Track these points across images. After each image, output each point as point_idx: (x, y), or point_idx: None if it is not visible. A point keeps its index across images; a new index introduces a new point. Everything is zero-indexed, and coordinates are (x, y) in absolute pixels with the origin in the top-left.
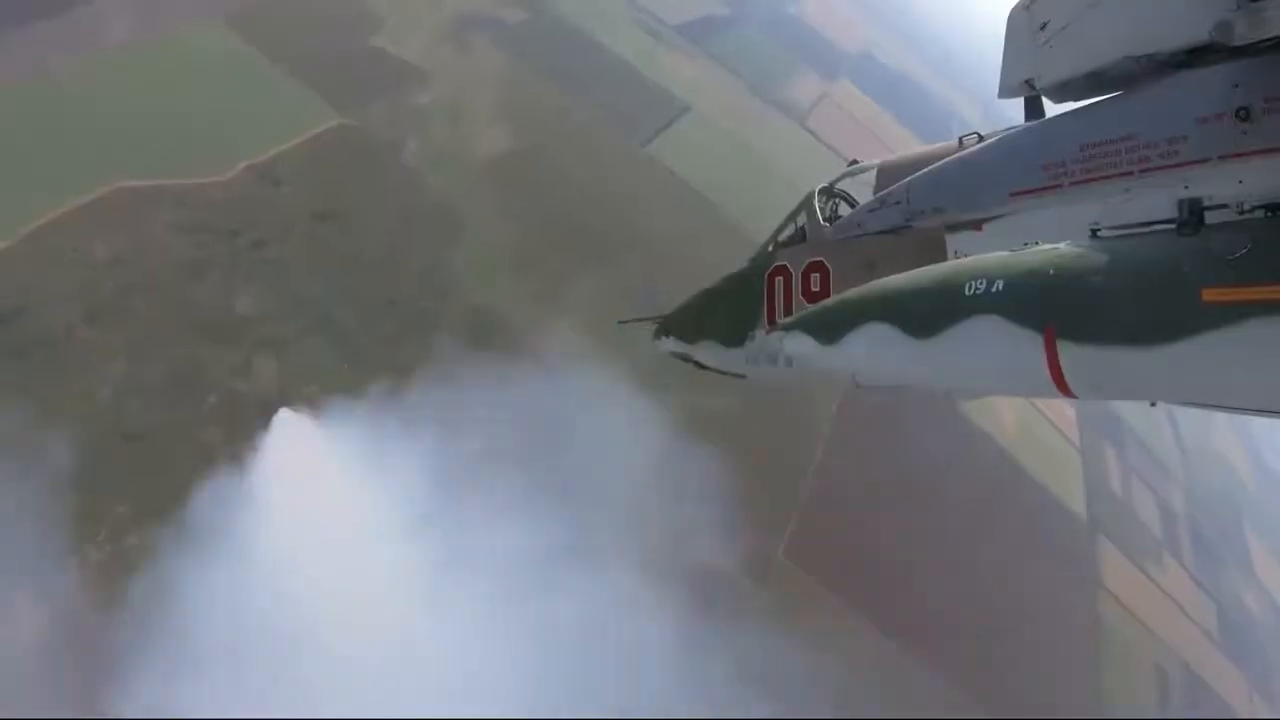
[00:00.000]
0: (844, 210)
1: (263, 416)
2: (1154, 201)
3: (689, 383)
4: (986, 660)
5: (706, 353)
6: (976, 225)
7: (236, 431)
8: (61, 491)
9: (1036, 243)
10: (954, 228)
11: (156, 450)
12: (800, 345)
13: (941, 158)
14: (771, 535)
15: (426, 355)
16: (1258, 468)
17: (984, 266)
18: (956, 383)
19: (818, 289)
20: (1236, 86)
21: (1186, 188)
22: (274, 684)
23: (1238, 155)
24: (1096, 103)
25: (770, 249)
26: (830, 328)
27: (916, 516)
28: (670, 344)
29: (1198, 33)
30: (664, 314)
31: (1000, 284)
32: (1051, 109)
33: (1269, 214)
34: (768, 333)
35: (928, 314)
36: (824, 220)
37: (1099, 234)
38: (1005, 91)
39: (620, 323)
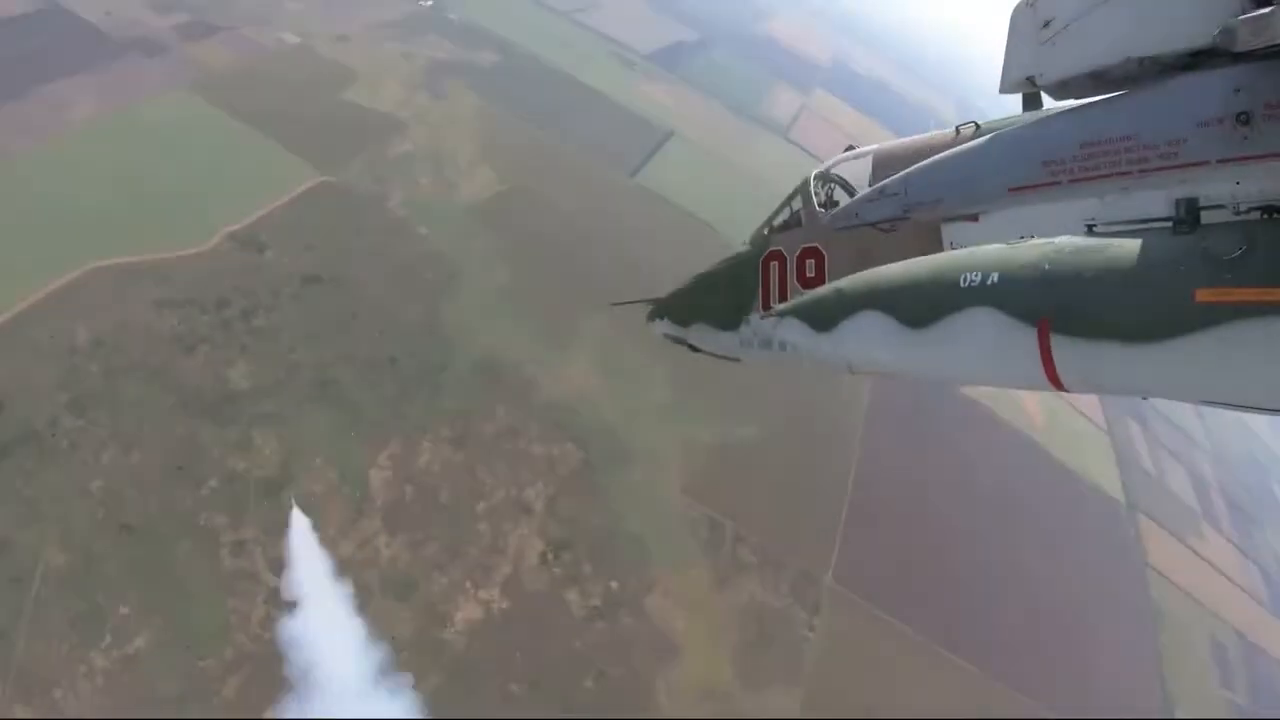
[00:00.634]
0: (840, 195)
1: (268, 496)
2: (1150, 200)
3: (715, 413)
4: (1054, 664)
5: (700, 336)
6: (973, 217)
7: (241, 515)
8: (58, 596)
9: (1032, 236)
10: (951, 218)
11: (157, 542)
12: (794, 332)
13: (938, 146)
14: (817, 561)
15: (435, 411)
16: (1274, 424)
17: (979, 259)
18: (950, 374)
19: (813, 275)
20: (1238, 91)
21: (1183, 186)
22: None
23: (1236, 159)
24: (1097, 102)
25: (766, 233)
26: (824, 315)
27: (959, 521)
28: (664, 326)
29: (1201, 36)
30: (658, 296)
31: (995, 277)
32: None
33: (1265, 216)
34: (762, 318)
35: (922, 304)
36: (820, 206)
37: (1095, 230)
38: (1006, 87)
39: (613, 305)
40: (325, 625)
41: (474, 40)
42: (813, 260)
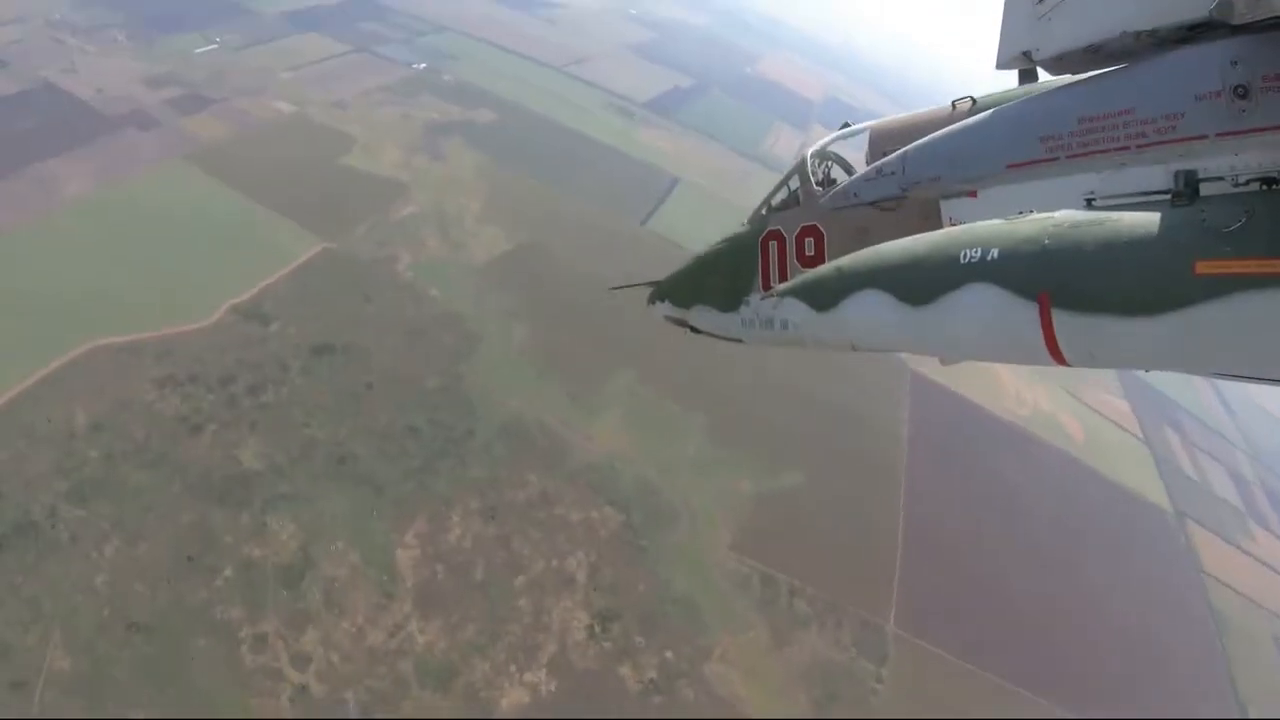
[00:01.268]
0: (837, 173)
1: (288, 585)
2: (1149, 173)
3: (754, 460)
4: (1128, 686)
5: (701, 317)
6: (972, 193)
7: (260, 606)
8: (65, 703)
9: (1031, 212)
10: (949, 195)
11: (169, 640)
12: (795, 312)
13: (934, 122)
14: (877, 608)
15: (463, 482)
16: None
17: (979, 234)
18: (951, 351)
19: (812, 254)
20: (1235, 64)
21: (1182, 160)
22: None
23: (1235, 133)
24: (1095, 76)
25: (764, 213)
26: (825, 295)
27: (1013, 547)
28: (665, 309)
29: (1198, 9)
30: (657, 280)
31: (995, 252)
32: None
33: (1264, 187)
34: (763, 298)
35: (923, 282)
36: (817, 184)
37: (1094, 204)
38: (1002, 63)
39: (612, 289)
40: None
41: (470, 99)
42: (812, 239)
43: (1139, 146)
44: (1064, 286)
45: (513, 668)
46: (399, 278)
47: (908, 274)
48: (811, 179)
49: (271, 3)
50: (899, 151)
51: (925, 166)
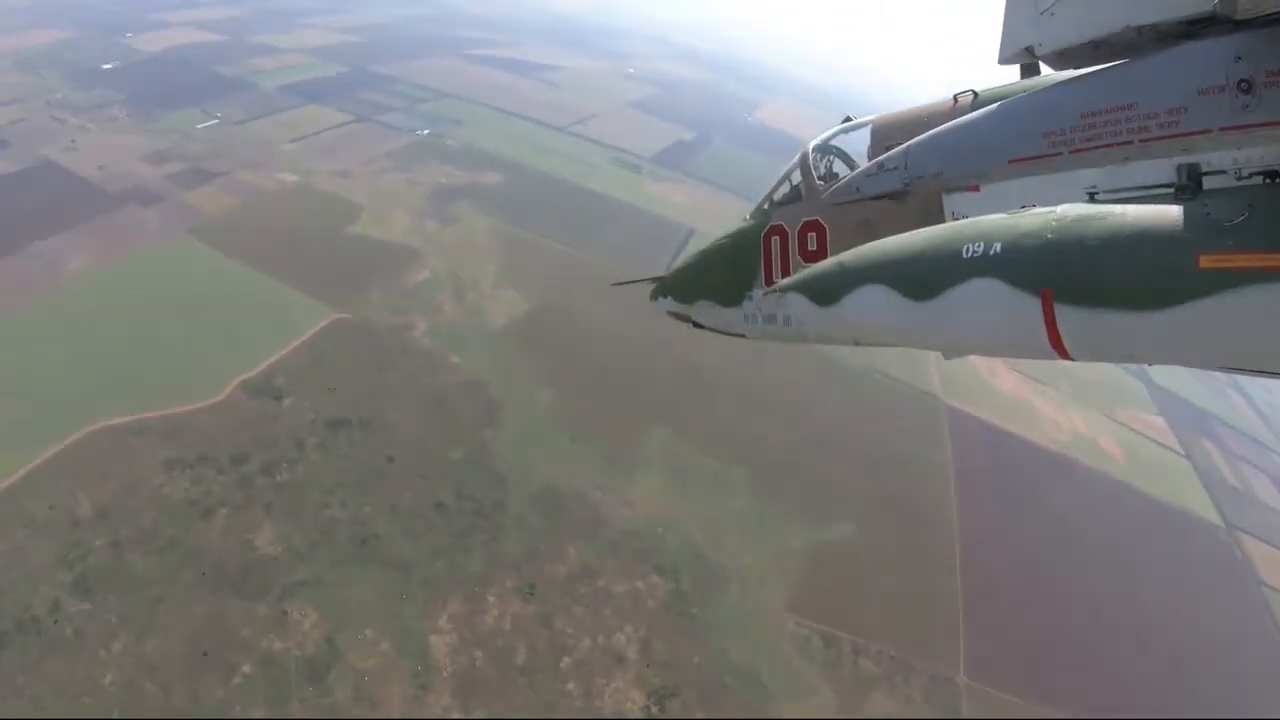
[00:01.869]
0: (839, 167)
1: (313, 679)
2: (1152, 167)
3: (801, 513)
4: (1206, 710)
5: (704, 313)
6: (974, 187)
7: (283, 703)
8: None
9: (1034, 206)
10: (951, 188)
11: None
12: (798, 307)
13: (936, 116)
14: (946, 659)
15: (497, 560)
16: None
17: (982, 229)
18: (954, 345)
19: (815, 249)
20: (1239, 59)
21: (1185, 154)
22: None
23: (1238, 127)
24: (1097, 71)
25: (766, 208)
26: (828, 290)
27: (1072, 581)
28: (668, 305)
29: (1201, 3)
30: (660, 275)
31: (998, 247)
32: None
33: (1268, 181)
34: (765, 294)
35: (925, 276)
36: (819, 179)
37: (1097, 198)
38: (1005, 58)
39: (614, 284)
40: None
41: (475, 163)
42: (814, 234)
43: (1142, 141)
44: (1067, 281)
45: None
46: (416, 345)
47: (910, 269)
48: (814, 173)
49: (271, 77)
50: (901, 146)
51: (928, 161)
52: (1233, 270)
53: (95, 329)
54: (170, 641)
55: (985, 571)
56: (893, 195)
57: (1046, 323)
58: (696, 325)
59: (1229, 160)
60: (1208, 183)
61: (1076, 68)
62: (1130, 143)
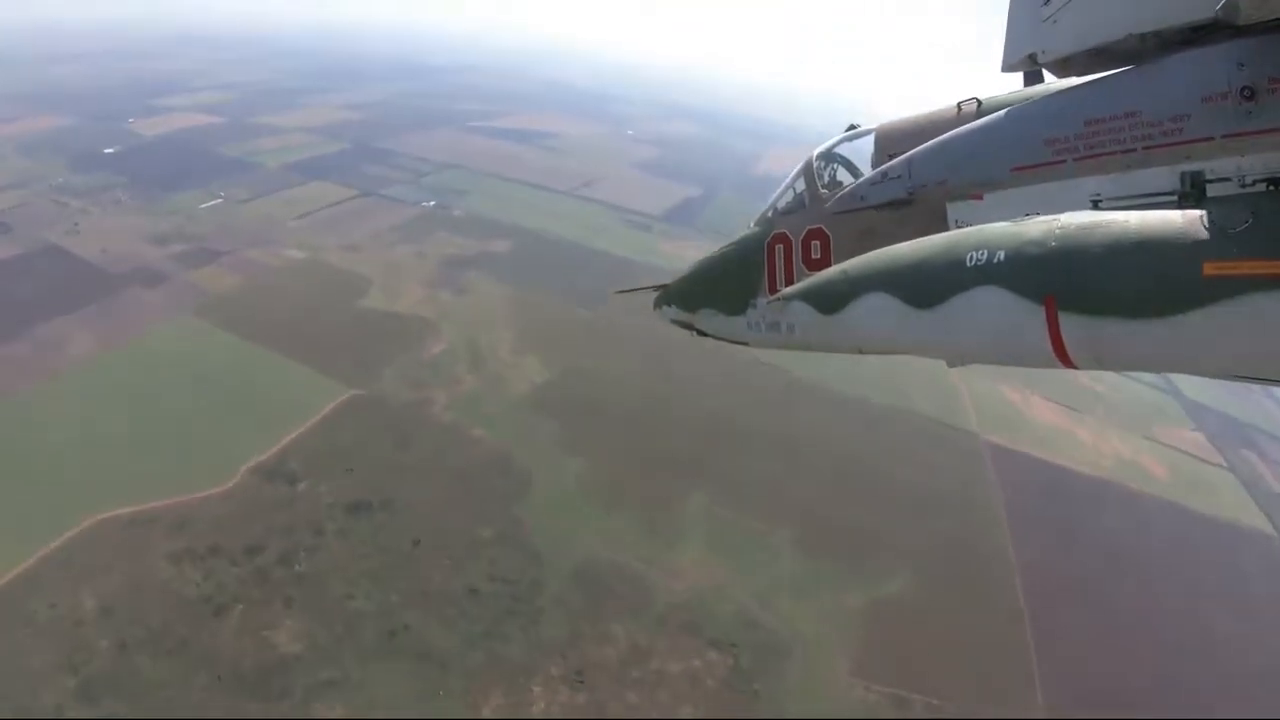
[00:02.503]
0: (843, 175)
1: None
2: (1156, 174)
3: (853, 568)
4: None
5: (708, 321)
6: (978, 195)
7: None
8: None
9: (1038, 214)
10: (955, 196)
11: None
12: (802, 315)
13: (940, 123)
14: (1024, 708)
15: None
16: None
17: (985, 237)
18: (957, 354)
19: (818, 257)
20: (1241, 66)
21: (1189, 162)
22: None
23: (1241, 134)
24: (1100, 79)
25: (770, 215)
26: (831, 298)
27: (1138, 609)
28: (672, 313)
29: (1203, 10)
30: (664, 283)
31: (1002, 254)
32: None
33: (1271, 188)
34: (769, 302)
35: (929, 285)
36: (823, 187)
37: (1101, 206)
38: (1008, 66)
39: (617, 292)
40: None
41: (483, 231)
42: (818, 242)
43: (1145, 148)
44: (1071, 289)
45: None
46: (436, 420)
47: (914, 277)
48: (817, 182)
49: (273, 155)
50: (905, 155)
51: (931, 170)
52: (1237, 277)
53: (98, 413)
54: None
55: (1051, 610)
56: (896, 203)
57: (1050, 330)
58: (700, 333)
59: (1232, 167)
60: (1211, 190)
61: (1079, 75)
62: (1134, 150)
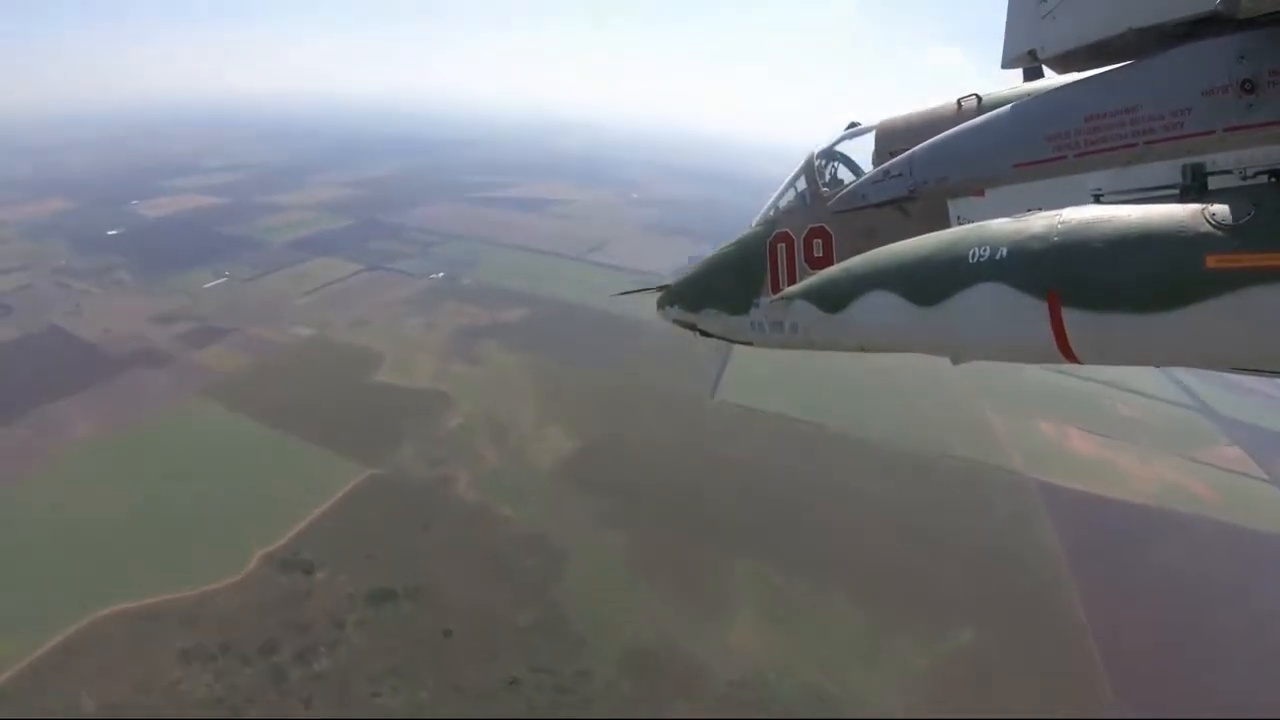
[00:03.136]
0: (844, 173)
1: None
2: (1157, 168)
3: (917, 625)
4: None
5: (711, 321)
6: (979, 191)
7: None
8: None
9: (1040, 209)
10: (956, 193)
11: None
12: (804, 314)
13: (940, 120)
14: None
15: None
16: None
17: (987, 233)
18: (961, 351)
19: (820, 255)
20: (1242, 58)
21: (1190, 155)
22: None
23: (1243, 127)
24: (1100, 74)
25: (771, 214)
26: (834, 297)
27: (1213, 640)
28: (674, 313)
29: (1203, 4)
30: (666, 284)
31: (1004, 251)
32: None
33: (1273, 180)
34: (772, 301)
35: (931, 282)
36: (824, 185)
37: (1102, 199)
38: (1008, 62)
39: (616, 294)
40: None
41: (495, 300)
42: (820, 240)
43: (1147, 143)
44: (1074, 284)
45: None
46: (460, 499)
47: (916, 274)
48: (818, 180)
49: (277, 233)
50: (906, 153)
51: (932, 167)
52: (1239, 270)
53: (100, 501)
54: None
55: (1124, 650)
56: (898, 201)
57: (1053, 326)
58: (703, 334)
59: (1234, 160)
60: (1213, 183)
61: (1079, 71)
62: (1135, 145)
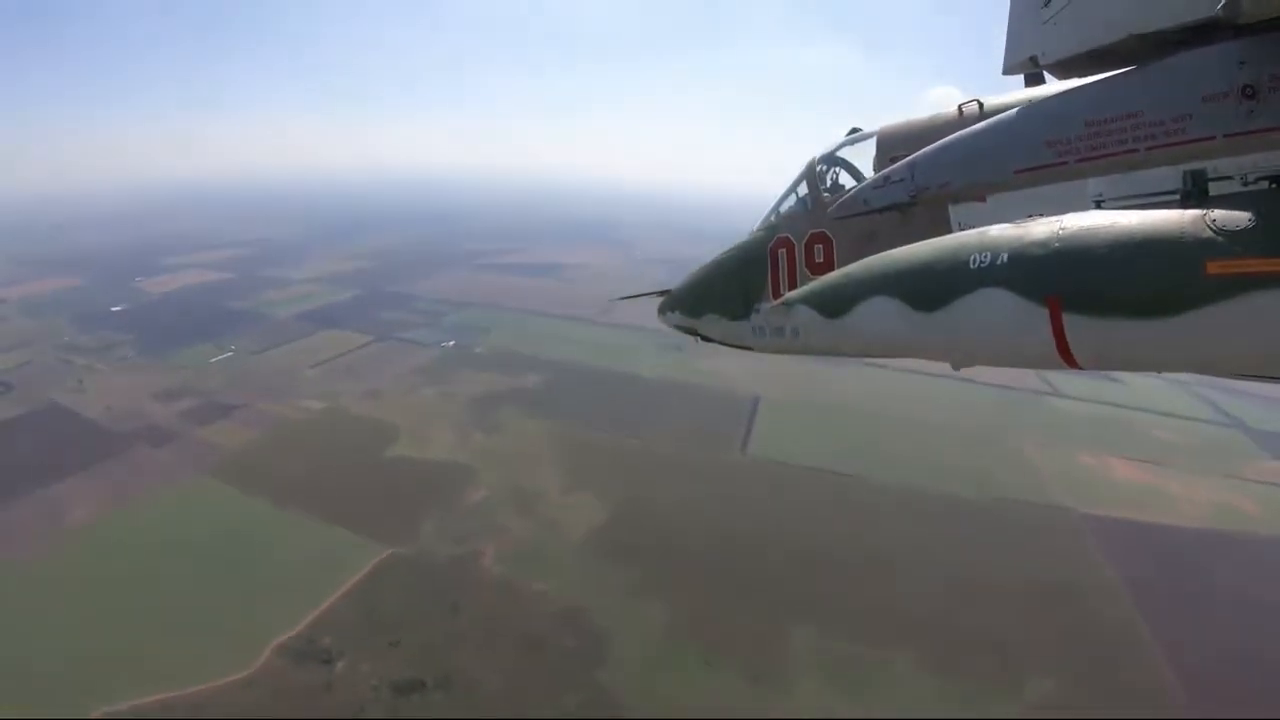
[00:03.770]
0: (845, 179)
1: None
2: (1158, 174)
3: (992, 675)
4: None
5: (712, 326)
6: (980, 197)
7: None
8: None
9: (1041, 215)
10: (958, 199)
11: None
12: (806, 319)
13: (941, 126)
14: None
15: None
16: None
17: (988, 239)
18: (962, 356)
19: (821, 260)
20: (1242, 64)
21: (1191, 161)
22: None
23: (1244, 133)
24: (1101, 80)
25: (773, 220)
26: (835, 302)
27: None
28: (675, 318)
29: (1204, 10)
30: (666, 289)
31: (1005, 256)
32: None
33: (1274, 186)
34: (773, 307)
35: (932, 287)
36: (825, 190)
37: (1103, 205)
38: (1009, 68)
39: (616, 299)
40: None
41: (510, 367)
42: (821, 246)
43: (1148, 149)
44: (1074, 289)
45: None
46: (488, 576)
47: (917, 280)
48: (819, 186)
49: (283, 306)
50: (907, 159)
51: (933, 173)
52: (1240, 276)
53: (100, 589)
54: None
55: (1206, 684)
56: (899, 206)
57: (1054, 331)
58: (704, 339)
59: (1234, 166)
60: (1214, 189)
61: (1080, 77)
62: (1136, 151)
